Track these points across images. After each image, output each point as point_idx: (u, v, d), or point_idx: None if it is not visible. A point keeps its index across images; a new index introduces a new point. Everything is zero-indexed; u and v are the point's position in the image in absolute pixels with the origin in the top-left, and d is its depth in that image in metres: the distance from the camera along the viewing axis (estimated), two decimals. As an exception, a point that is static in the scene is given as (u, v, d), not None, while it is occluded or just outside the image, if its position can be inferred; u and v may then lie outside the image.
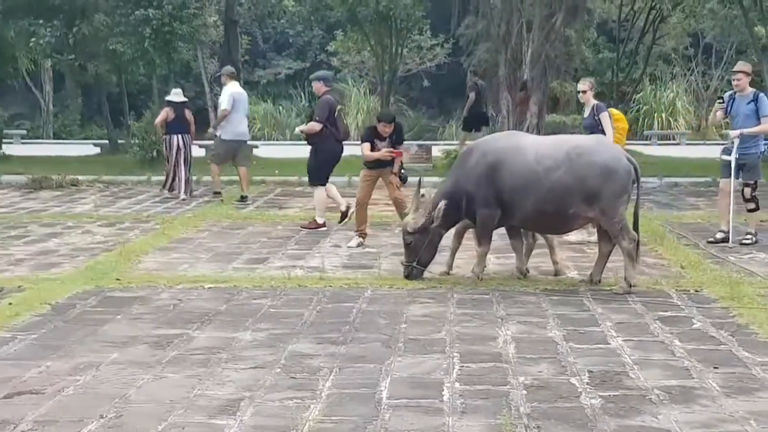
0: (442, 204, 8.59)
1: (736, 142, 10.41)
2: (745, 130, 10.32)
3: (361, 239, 10.84)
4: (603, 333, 6.81)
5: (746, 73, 10.57)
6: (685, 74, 38.45)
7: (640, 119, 36.49)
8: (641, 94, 34.59)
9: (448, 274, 9.06)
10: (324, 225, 12.05)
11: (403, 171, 10.90)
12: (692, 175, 17.46)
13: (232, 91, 15.01)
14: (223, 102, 15.02)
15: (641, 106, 36.28)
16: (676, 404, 5.16)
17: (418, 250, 8.77)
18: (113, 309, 7.78)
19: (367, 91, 37.39)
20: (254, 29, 36.71)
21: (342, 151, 12.20)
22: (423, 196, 9.19)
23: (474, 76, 21.97)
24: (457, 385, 5.63)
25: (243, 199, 14.86)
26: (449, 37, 36.94)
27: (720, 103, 10.68)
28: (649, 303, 7.72)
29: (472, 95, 20.95)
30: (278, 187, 17.05)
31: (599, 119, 10.60)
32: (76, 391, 5.68)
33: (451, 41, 36.94)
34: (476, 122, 20.97)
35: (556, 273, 9.01)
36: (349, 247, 10.71)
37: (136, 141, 18.85)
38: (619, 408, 5.13)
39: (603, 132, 10.43)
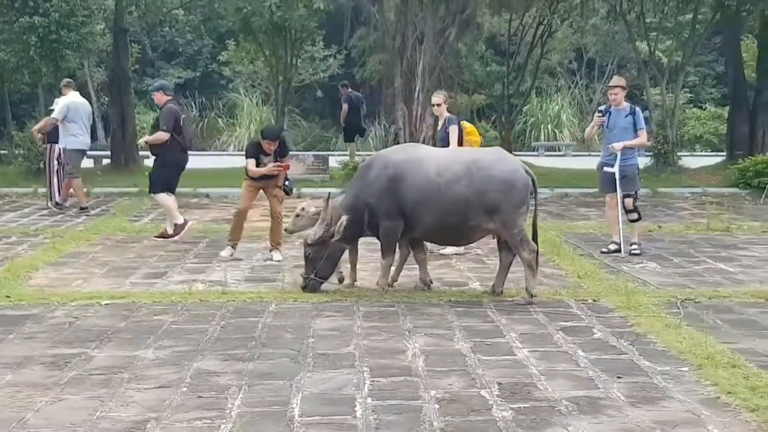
0: (344, 219, 8.55)
1: (619, 154, 10.71)
2: (627, 143, 10.63)
3: (232, 249, 10.70)
4: (509, 344, 6.88)
5: (623, 88, 10.93)
6: (569, 87, 39.54)
7: (527, 131, 37.37)
8: (528, 106, 35.36)
9: (353, 285, 9.04)
10: (185, 223, 11.97)
11: (287, 183, 10.77)
12: (581, 186, 17.90)
13: (67, 101, 14.94)
14: (56, 111, 14.90)
15: (528, 118, 37.14)
16: (584, 415, 5.24)
17: (317, 263, 8.72)
18: (4, 328, 7.45)
19: (260, 102, 37.18)
20: (143, 38, 35.98)
21: (187, 161, 12.23)
22: (303, 209, 9.33)
23: (344, 88, 22.52)
24: (369, 400, 5.59)
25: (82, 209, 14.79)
26: (342, 48, 37.04)
27: (599, 115, 10.95)
28: (551, 313, 7.85)
29: (345, 107, 21.51)
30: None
31: (449, 132, 10.83)
32: (-31, 417, 5.42)
33: (343, 52, 37.06)
34: (353, 132, 21.69)
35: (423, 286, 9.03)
36: (222, 256, 10.56)
37: (21, 152, 18.20)
38: (530, 420, 5.18)
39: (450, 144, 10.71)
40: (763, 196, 15.77)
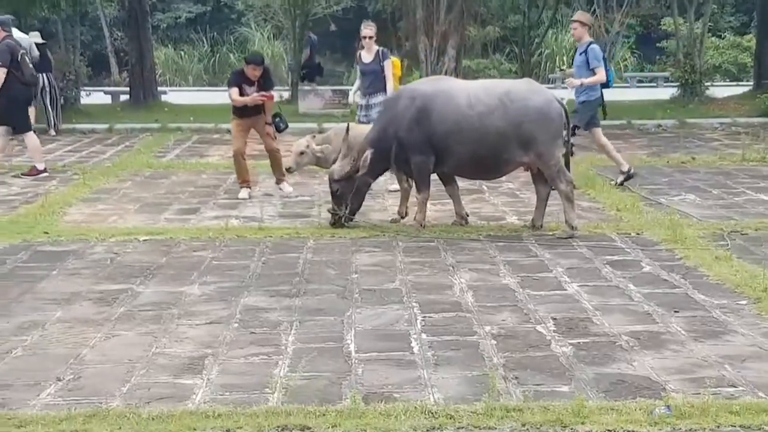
0: (368, 153, 8.41)
1: (572, 91, 10.59)
2: (585, 81, 10.36)
3: (248, 189, 10.48)
4: (557, 279, 6.81)
5: (581, 23, 10.64)
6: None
7: (542, 63, 36.88)
8: (525, 38, 34.87)
9: (399, 222, 8.98)
10: (45, 170, 11.94)
11: (278, 120, 10.57)
12: (606, 118, 17.62)
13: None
14: None
15: (543, 50, 36.62)
16: (647, 350, 5.18)
17: (345, 198, 8.61)
18: (47, 264, 7.44)
19: (271, 36, 36.73)
20: (153, -28, 35.48)
21: (30, 95, 12.33)
22: (307, 146, 9.27)
23: (308, 32, 22.65)
24: (424, 336, 5.54)
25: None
26: (355, -20, 36.49)
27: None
28: (594, 247, 7.75)
29: (306, 50, 21.75)
30: (194, 134, 16.62)
31: (383, 65, 10.66)
32: (25, 353, 5.40)
33: (356, -16, 36.51)
34: (313, 74, 22.04)
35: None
36: (240, 198, 10.32)
37: (62, 102, 18.00)
38: (592, 356, 5.12)
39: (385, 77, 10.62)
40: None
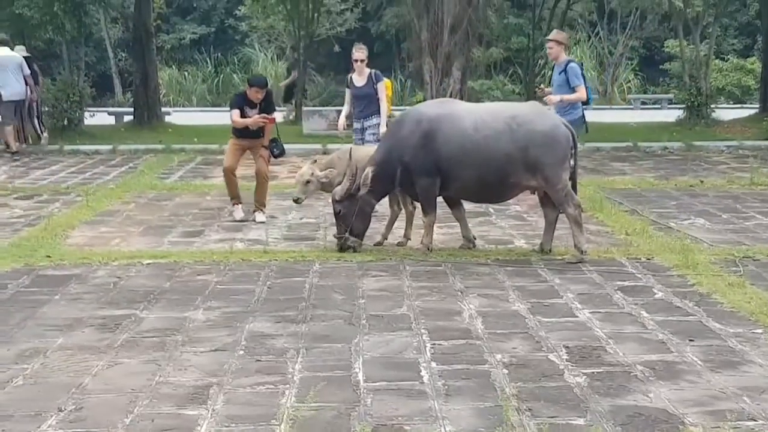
0: (369, 170, 8.32)
1: (553, 109, 10.40)
2: (565, 97, 10.21)
3: (241, 205, 10.34)
4: (568, 305, 6.69)
5: (557, 42, 10.53)
6: (588, 39, 38.98)
7: (546, 84, 36.83)
8: (530, 60, 34.90)
9: (382, 244, 8.88)
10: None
11: (274, 145, 10.37)
12: (612, 140, 17.58)
13: None
14: None
15: (547, 71, 36.63)
16: (663, 381, 5.05)
17: (348, 220, 8.50)
18: (49, 289, 7.33)
19: (275, 57, 36.81)
20: (157, -7, 35.62)
21: None
22: (312, 175, 8.97)
23: (293, 51, 22.62)
24: (433, 364, 5.42)
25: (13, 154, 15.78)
26: (358, 2, 36.55)
27: None
28: (605, 272, 7.64)
29: (294, 72, 21.81)
30: (198, 155, 16.52)
31: (377, 88, 10.55)
32: (26, 382, 5.27)
33: (360, 6, 36.58)
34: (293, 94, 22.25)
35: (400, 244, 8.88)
36: (236, 218, 10.19)
37: (45, 108, 17.98)
38: (607, 386, 4.99)
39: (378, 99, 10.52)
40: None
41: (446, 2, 17.69)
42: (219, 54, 39.56)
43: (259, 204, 10.35)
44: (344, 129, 11.09)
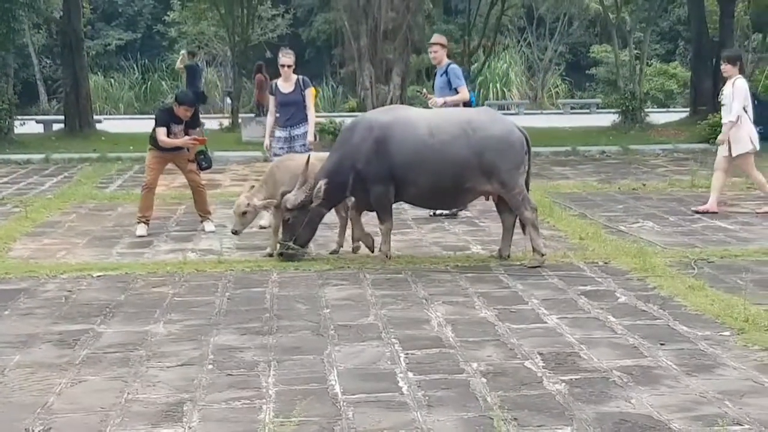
0: (322, 183, 8.20)
1: None
2: (448, 99, 10.28)
3: (146, 226, 9.87)
4: (534, 311, 6.67)
5: (441, 45, 10.64)
6: (518, 44, 39.42)
7: (476, 89, 37.15)
8: (475, 65, 35.22)
9: (338, 252, 8.76)
10: None
11: (201, 157, 9.98)
12: (550, 145, 17.77)
13: None
14: None
15: (476, 76, 36.93)
16: (642, 386, 5.04)
17: (296, 229, 8.36)
18: (-3, 304, 7.06)
19: (204, 63, 36.41)
20: (81, -2, 34.93)
21: None
22: (249, 205, 8.60)
23: (190, 56, 22.41)
24: (410, 374, 5.34)
25: None
26: (289, 8, 36.38)
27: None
28: (565, 277, 7.65)
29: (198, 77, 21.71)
30: (135, 163, 16.20)
31: (305, 94, 10.19)
32: (-13, 403, 5.04)
33: (291, 12, 36.42)
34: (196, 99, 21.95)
35: (354, 250, 8.74)
36: (138, 235, 9.71)
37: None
38: (588, 393, 4.96)
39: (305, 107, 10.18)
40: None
41: (384, 8, 17.68)
42: (146, 60, 39.01)
43: (204, 213, 10.12)
44: (270, 148, 10.33)
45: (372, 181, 8.25)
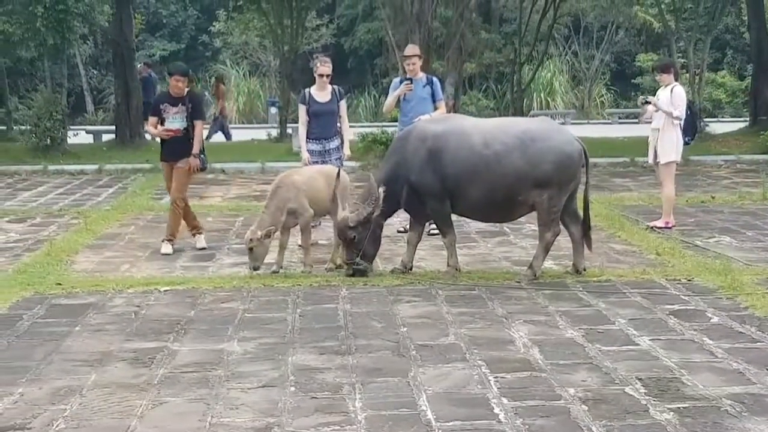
0: (381, 191, 7.97)
1: None
2: (434, 115, 9.85)
3: (172, 245, 9.46)
4: (623, 331, 6.37)
5: (419, 57, 10.32)
6: (561, 54, 38.98)
7: (518, 99, 36.75)
8: (516, 75, 34.90)
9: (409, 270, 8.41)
10: None
11: (203, 156, 9.56)
12: (607, 156, 17.40)
13: None
14: None
15: (522, 86, 36.53)
16: (758, 416, 4.74)
17: (361, 245, 8.10)
18: (67, 319, 6.90)
19: (247, 73, 36.45)
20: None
21: None
22: (251, 240, 8.10)
23: (146, 67, 22.22)
24: (504, 400, 5.08)
25: None
26: (333, 18, 36.33)
27: (408, 83, 9.92)
28: (649, 295, 7.34)
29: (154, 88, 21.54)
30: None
31: (340, 105, 9.79)
32: (68, 425, 4.86)
33: (335, 21, 36.36)
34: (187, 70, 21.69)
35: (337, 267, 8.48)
36: (163, 253, 9.27)
37: (27, 127, 17.46)
38: (701, 424, 4.67)
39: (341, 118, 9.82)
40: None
41: (437, 17, 17.46)
42: (190, 71, 39.04)
43: (195, 229, 9.65)
44: (309, 162, 9.64)
45: (426, 193, 8.02)
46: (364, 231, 8.08)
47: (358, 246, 8.13)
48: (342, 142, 9.88)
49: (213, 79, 24.78)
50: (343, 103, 9.85)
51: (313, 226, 9.14)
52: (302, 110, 9.83)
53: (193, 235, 9.72)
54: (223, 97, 23.17)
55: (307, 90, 9.98)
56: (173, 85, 9.42)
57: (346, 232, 8.12)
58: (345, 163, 10.11)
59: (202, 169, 9.74)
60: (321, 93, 9.80)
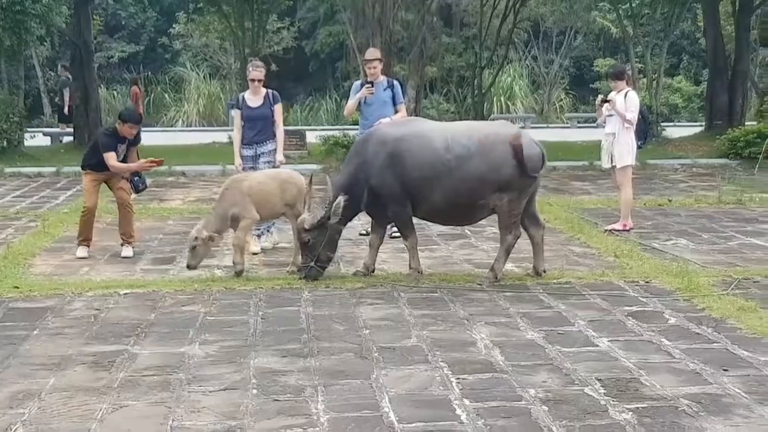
0: (341, 199, 7.96)
1: None
2: (394, 118, 9.89)
3: (87, 248, 9.38)
4: (583, 333, 6.44)
5: (380, 60, 10.41)
6: (521, 58, 39.24)
7: (478, 103, 36.92)
8: (476, 79, 35.03)
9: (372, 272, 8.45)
10: None
11: (137, 179, 9.49)
12: (566, 159, 17.55)
13: None
14: None
15: (482, 90, 36.71)
16: (715, 416, 4.81)
17: (317, 249, 8.09)
18: (25, 323, 6.83)
19: (207, 75, 36.26)
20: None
21: None
22: (196, 239, 8.16)
23: (64, 70, 22.12)
24: (466, 401, 5.11)
25: None
26: (294, 21, 36.26)
27: (369, 87, 9.93)
28: (608, 297, 7.43)
29: (65, 91, 21.31)
30: (147, 177, 15.88)
31: (274, 109, 9.68)
32: (27, 430, 4.81)
33: (296, 24, 36.29)
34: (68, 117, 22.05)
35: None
36: (79, 256, 9.21)
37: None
38: (659, 424, 4.73)
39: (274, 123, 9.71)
40: (756, 166, 15.52)
41: (398, 21, 17.51)
42: (149, 73, 38.80)
43: (126, 236, 9.47)
44: (242, 167, 9.65)
45: (387, 196, 8.03)
46: (321, 235, 8.07)
47: (314, 249, 8.12)
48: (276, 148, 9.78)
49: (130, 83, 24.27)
50: (277, 108, 9.71)
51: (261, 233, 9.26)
52: (237, 115, 9.83)
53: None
54: (139, 101, 22.37)
55: (241, 94, 9.96)
56: (127, 132, 9.17)
57: (301, 234, 8.13)
58: (306, 166, 10.08)
59: (141, 190, 9.69)
60: (254, 98, 9.72)
